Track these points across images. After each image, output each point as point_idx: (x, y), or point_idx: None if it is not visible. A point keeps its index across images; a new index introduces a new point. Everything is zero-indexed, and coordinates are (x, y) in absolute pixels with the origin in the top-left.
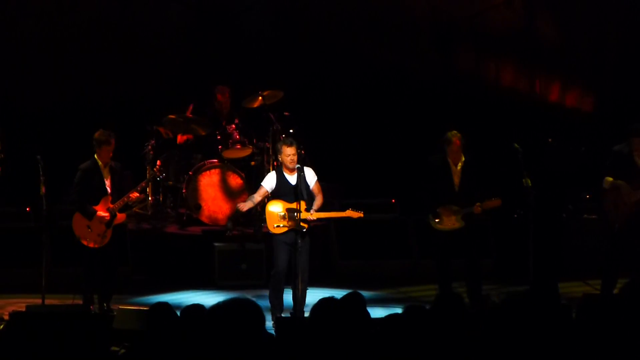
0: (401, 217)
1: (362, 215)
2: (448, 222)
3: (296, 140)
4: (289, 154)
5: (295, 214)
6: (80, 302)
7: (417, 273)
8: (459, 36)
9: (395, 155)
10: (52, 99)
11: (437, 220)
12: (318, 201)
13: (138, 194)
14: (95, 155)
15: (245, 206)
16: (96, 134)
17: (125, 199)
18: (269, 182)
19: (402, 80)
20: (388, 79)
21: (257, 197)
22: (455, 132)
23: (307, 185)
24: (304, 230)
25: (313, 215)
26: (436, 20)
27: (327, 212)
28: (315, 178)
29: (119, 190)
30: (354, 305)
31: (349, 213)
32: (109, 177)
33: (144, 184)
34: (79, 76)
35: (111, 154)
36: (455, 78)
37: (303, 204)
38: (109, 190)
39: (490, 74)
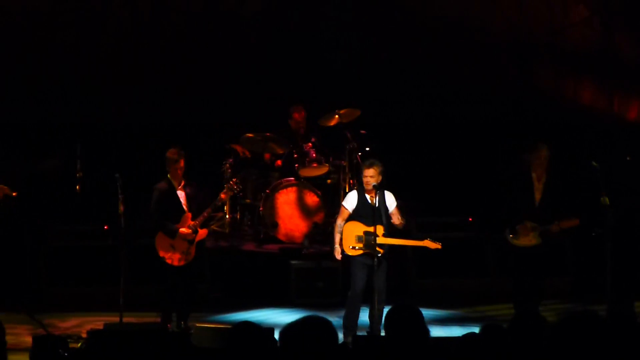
0: (478, 235)
1: (439, 246)
2: (525, 238)
3: (377, 162)
4: (365, 175)
5: (372, 237)
6: (158, 319)
7: (494, 291)
8: (538, 54)
9: (473, 173)
10: (132, 118)
11: (512, 236)
12: (398, 219)
13: (219, 202)
14: (169, 175)
15: (337, 250)
16: (168, 153)
17: (206, 214)
18: (351, 202)
19: (481, 97)
20: (467, 96)
21: (341, 221)
22: (543, 143)
23: (387, 209)
24: (379, 255)
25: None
26: (515, 38)
27: (403, 239)
28: (395, 203)
29: (198, 208)
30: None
31: (426, 243)
32: (185, 195)
33: (223, 196)
34: (159, 94)
35: (181, 172)
36: (533, 96)
37: (380, 229)
38: (185, 208)
39: (569, 91)
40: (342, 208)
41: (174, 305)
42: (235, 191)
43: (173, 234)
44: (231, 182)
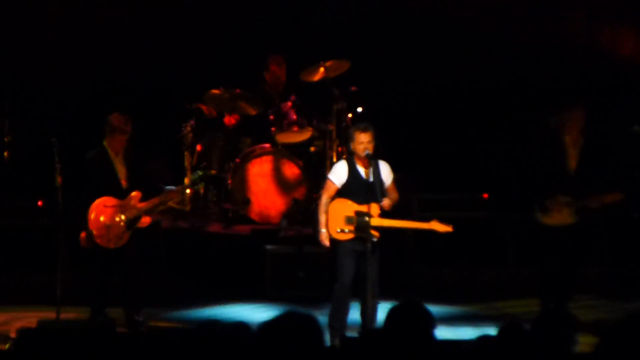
0: (495, 216)
1: (450, 229)
2: (558, 216)
3: (372, 126)
4: (362, 141)
5: (366, 218)
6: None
7: (514, 283)
8: None
9: (488, 139)
10: (74, 73)
11: (542, 214)
12: (393, 196)
13: (178, 196)
14: (105, 142)
15: (324, 234)
16: (112, 118)
17: (157, 200)
18: (339, 174)
19: (498, 49)
20: (481, 47)
21: (327, 198)
22: (579, 100)
23: (382, 183)
24: (375, 240)
25: (385, 205)
26: None
27: (404, 220)
28: (392, 176)
29: (145, 184)
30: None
31: (434, 225)
32: (124, 168)
33: (189, 188)
34: (106, 44)
35: (124, 144)
36: (562, 47)
37: (376, 208)
38: (123, 183)
39: (605, 41)
40: (329, 182)
41: (107, 297)
42: (199, 188)
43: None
44: (198, 175)
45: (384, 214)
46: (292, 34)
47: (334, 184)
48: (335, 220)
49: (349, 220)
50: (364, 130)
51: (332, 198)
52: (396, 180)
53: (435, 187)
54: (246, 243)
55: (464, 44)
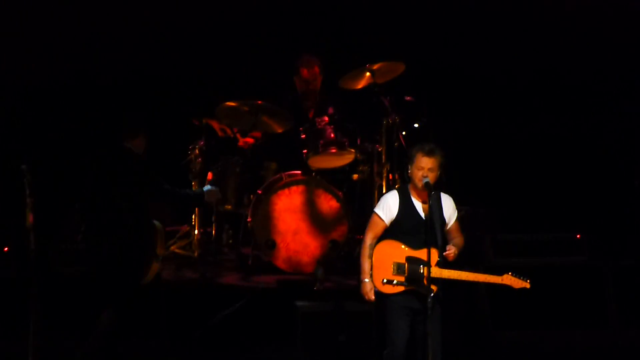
0: (592, 262)
1: (527, 285)
2: None
3: (439, 150)
4: (423, 166)
5: (421, 267)
6: None
7: (617, 349)
8: None
9: (583, 165)
10: (49, 74)
11: None
12: (457, 240)
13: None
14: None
15: (367, 285)
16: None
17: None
18: (389, 208)
19: (601, 49)
20: (578, 47)
21: (373, 239)
22: None
23: (444, 222)
24: (432, 295)
25: (450, 254)
26: None
27: (471, 272)
28: (457, 214)
29: None
30: None
31: (507, 280)
32: None
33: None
34: (93, 39)
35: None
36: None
37: (435, 254)
38: None
39: None
40: (375, 217)
41: None
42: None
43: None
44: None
45: (446, 263)
46: (330, 28)
47: (381, 220)
48: (381, 268)
49: (398, 269)
50: (428, 154)
51: (379, 239)
52: (462, 218)
53: (515, 226)
54: (271, 298)
55: (555, 37)
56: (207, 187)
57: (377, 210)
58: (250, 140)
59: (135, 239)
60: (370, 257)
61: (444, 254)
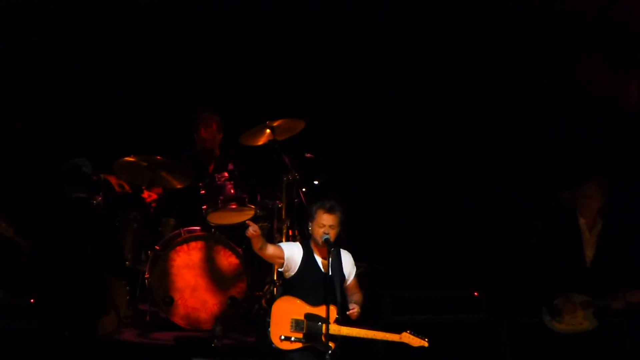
0: (488, 319)
1: (425, 344)
2: (572, 320)
3: (339, 207)
4: (324, 223)
5: (319, 324)
6: None
7: None
8: (583, 35)
9: (480, 221)
10: None
11: (552, 319)
12: (355, 296)
13: None
14: None
15: (258, 236)
16: None
17: None
18: (292, 251)
19: (496, 100)
20: (473, 98)
21: (270, 249)
22: (595, 173)
23: (343, 279)
24: (331, 351)
25: (353, 314)
26: (549, 13)
27: (368, 329)
28: (355, 271)
29: None
30: None
31: (405, 338)
32: None
33: None
34: None
35: None
36: (576, 100)
37: (333, 310)
38: None
39: (632, 93)
40: (278, 247)
41: None
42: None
43: None
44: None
45: (346, 320)
46: (230, 85)
47: (282, 249)
48: (279, 325)
49: (297, 326)
50: (329, 211)
51: (278, 294)
52: (361, 275)
53: (413, 282)
54: (169, 355)
55: (451, 89)
56: None
57: (282, 244)
58: (154, 195)
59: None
60: (265, 247)
61: (348, 313)
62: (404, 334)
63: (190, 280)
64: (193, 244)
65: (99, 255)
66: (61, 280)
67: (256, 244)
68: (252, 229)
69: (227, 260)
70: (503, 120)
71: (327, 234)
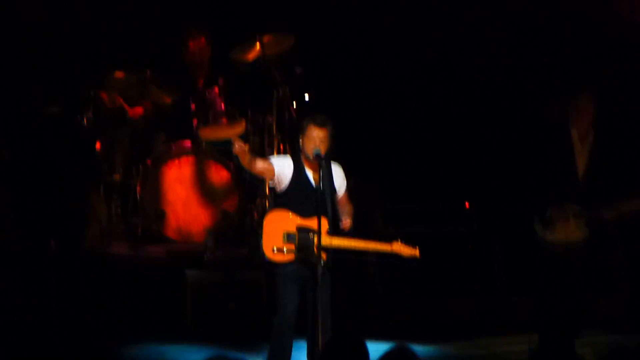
0: (480, 231)
1: (417, 253)
2: (563, 230)
3: (331, 122)
4: (314, 137)
5: (310, 235)
6: None
7: (505, 316)
8: None
9: (471, 134)
10: None
11: (543, 228)
12: (346, 208)
13: None
14: None
15: (244, 152)
16: None
17: None
18: (282, 165)
19: (483, 18)
20: (456, 15)
21: (259, 164)
22: (586, 86)
23: (334, 191)
24: (322, 263)
25: (346, 225)
26: None
27: (361, 239)
28: (345, 184)
29: None
30: None
31: (397, 248)
32: None
33: None
34: None
35: None
36: (565, 15)
37: (324, 223)
38: None
39: (623, 5)
40: (267, 160)
41: None
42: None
43: None
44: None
45: (337, 231)
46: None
47: (271, 163)
48: (272, 237)
49: (289, 238)
50: (320, 125)
51: (269, 207)
52: (352, 189)
53: (403, 196)
54: (161, 268)
55: (440, 13)
56: None
57: (272, 159)
58: (139, 110)
59: None
60: (253, 162)
61: (342, 226)
62: (395, 243)
63: (182, 194)
64: (184, 158)
65: (74, 167)
66: (40, 190)
67: (244, 160)
68: (238, 145)
69: (219, 174)
70: (492, 33)
71: (318, 148)
